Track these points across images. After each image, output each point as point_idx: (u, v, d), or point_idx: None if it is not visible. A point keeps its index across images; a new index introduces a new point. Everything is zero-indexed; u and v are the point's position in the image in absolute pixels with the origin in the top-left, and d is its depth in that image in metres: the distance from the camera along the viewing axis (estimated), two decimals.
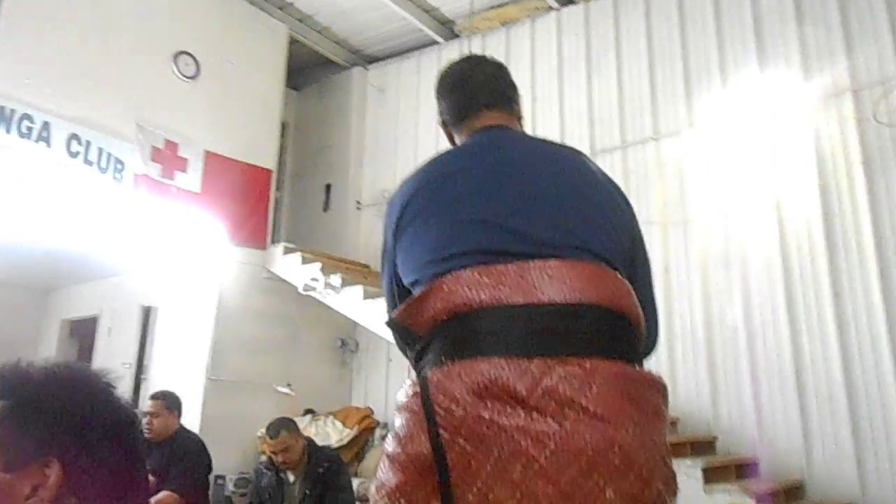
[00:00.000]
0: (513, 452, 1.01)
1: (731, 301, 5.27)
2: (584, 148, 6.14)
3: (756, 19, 5.57)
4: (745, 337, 5.15)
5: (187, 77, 6.42)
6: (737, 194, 5.38)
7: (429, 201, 1.29)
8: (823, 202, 5.01)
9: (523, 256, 1.16)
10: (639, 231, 1.39)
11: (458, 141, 1.50)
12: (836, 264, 4.89)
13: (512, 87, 1.53)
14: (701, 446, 4.87)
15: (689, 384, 5.32)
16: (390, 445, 1.14)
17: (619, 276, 1.21)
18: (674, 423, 5.19)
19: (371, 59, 8.22)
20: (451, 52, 7.42)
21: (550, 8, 6.76)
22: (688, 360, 5.37)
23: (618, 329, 1.17)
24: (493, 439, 1.02)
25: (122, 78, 5.93)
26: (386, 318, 1.35)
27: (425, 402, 1.08)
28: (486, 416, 1.03)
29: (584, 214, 1.27)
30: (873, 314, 4.68)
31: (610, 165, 5.97)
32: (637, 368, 1.16)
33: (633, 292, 1.22)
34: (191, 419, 5.79)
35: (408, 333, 1.24)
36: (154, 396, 4.20)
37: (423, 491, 1.05)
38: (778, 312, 5.05)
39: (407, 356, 1.30)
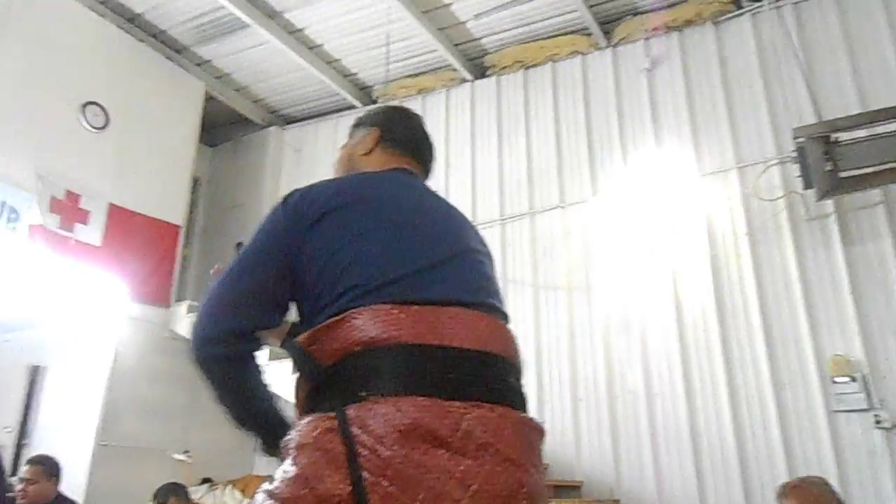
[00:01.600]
0: (438, 494, 1.01)
1: (631, 366, 5.44)
2: (495, 214, 6.34)
3: (652, 99, 5.99)
4: (644, 401, 5.30)
5: (95, 128, 6.26)
6: (636, 262, 5.63)
7: (357, 218, 1.28)
8: (714, 271, 5.32)
9: (437, 303, 1.19)
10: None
11: (374, 157, 1.54)
12: (726, 330, 5.15)
13: (433, 163, 1.66)
14: None
15: (592, 447, 5.40)
16: (287, 487, 1.06)
17: (510, 330, 1.30)
18: (577, 487, 5.24)
19: (288, 120, 8.27)
20: None
21: (464, 80, 7.04)
22: (591, 424, 5.46)
23: (514, 379, 1.24)
24: (419, 480, 1.01)
25: (24, 125, 5.72)
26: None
27: (346, 441, 1.04)
28: (413, 457, 1.02)
29: (484, 272, 1.37)
30: (760, 377, 4.94)
31: (519, 231, 6.17)
32: (531, 417, 1.23)
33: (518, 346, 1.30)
34: (76, 487, 5.42)
35: (311, 362, 1.18)
36: (31, 461, 3.92)
37: None
38: (675, 377, 5.24)
39: (298, 383, 1.25)
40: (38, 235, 5.62)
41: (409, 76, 7.26)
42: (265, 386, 1.35)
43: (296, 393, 1.25)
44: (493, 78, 6.92)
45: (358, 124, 1.65)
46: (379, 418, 1.05)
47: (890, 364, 4.60)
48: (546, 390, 5.65)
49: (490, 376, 1.17)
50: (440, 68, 7.10)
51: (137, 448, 6.12)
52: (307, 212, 1.30)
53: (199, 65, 7.37)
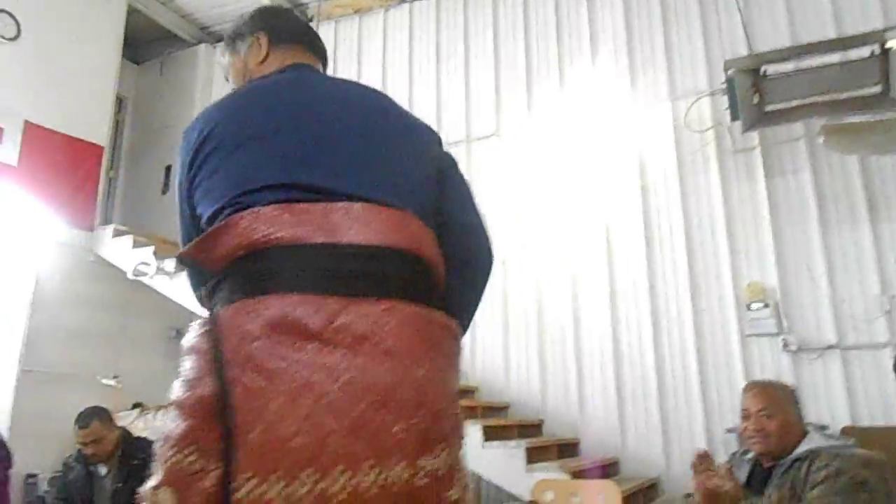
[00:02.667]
0: (303, 385, 0.99)
1: (561, 292, 5.56)
2: None
3: (591, 26, 5.93)
4: (571, 326, 5.46)
5: (5, 38, 5.84)
6: (568, 190, 5.68)
7: (234, 133, 1.23)
8: (643, 200, 5.42)
9: (328, 198, 1.14)
10: (448, 160, 1.41)
11: (270, 64, 1.47)
12: (652, 258, 5.30)
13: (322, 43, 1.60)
14: (528, 429, 5.11)
15: (520, 371, 5.56)
16: (177, 391, 1.07)
17: (419, 221, 1.22)
18: (504, 409, 5.41)
19: (219, 38, 7.88)
20: None
21: (402, 0, 6.80)
22: (520, 348, 5.60)
23: (417, 273, 1.18)
24: (283, 373, 0.99)
25: None
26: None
27: (213, 340, 1.04)
28: (277, 351, 1.01)
29: (388, 159, 1.28)
30: (681, 303, 5.13)
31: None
32: (434, 312, 1.18)
33: (433, 238, 1.25)
34: (0, 413, 5.31)
35: (199, 271, 1.19)
36: None
37: (213, 434, 1.00)
38: (601, 302, 5.40)
39: (196, 296, 1.25)
40: None
41: None
42: None
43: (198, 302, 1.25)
44: None
45: (236, 36, 1.54)
46: (245, 316, 1.04)
47: (800, 292, 4.83)
48: (477, 316, 5.73)
49: (380, 271, 1.13)
50: None
51: (64, 374, 6.00)
52: (186, 151, 1.27)
53: None
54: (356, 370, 1.01)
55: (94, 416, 3.76)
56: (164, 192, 7.54)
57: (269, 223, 1.10)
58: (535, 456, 4.45)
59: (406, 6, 6.82)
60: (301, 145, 1.22)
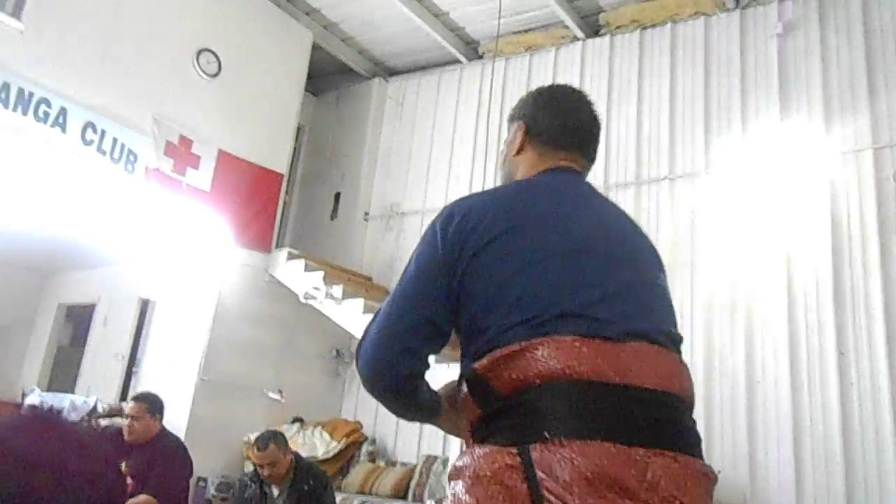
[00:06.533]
0: None
1: (732, 349, 5.21)
2: (598, 181, 6.11)
3: (781, 68, 5.55)
4: (744, 388, 5.08)
5: (208, 75, 6.42)
6: (747, 242, 5.33)
7: (523, 241, 1.19)
8: (835, 259, 4.96)
9: (624, 335, 1.11)
10: None
11: (527, 157, 1.41)
12: (842, 323, 4.83)
13: (597, 144, 1.47)
14: None
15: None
16: None
17: (686, 366, 1.20)
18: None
19: (392, 72, 8.23)
20: (474, 73, 7.43)
21: (576, 38, 6.75)
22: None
23: (691, 422, 1.15)
24: None
25: (142, 70, 5.93)
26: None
27: (531, 484, 1.00)
28: None
29: (665, 300, 1.26)
30: (877, 377, 4.62)
31: (622, 201, 5.94)
32: (706, 465, 1.14)
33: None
34: (178, 418, 5.74)
35: (486, 389, 1.13)
36: (136, 398, 4.14)
37: None
38: (780, 364, 4.99)
39: (476, 410, 1.19)
40: (153, 177, 5.86)
41: (518, 32, 7.02)
42: (431, 392, 1.31)
43: (461, 412, 1.22)
44: (607, 38, 6.60)
45: (511, 118, 1.49)
46: (565, 463, 1.00)
47: None
48: None
49: (670, 419, 1.09)
50: (551, 25, 6.83)
51: (235, 385, 6.42)
52: (468, 240, 1.20)
53: (307, 13, 7.39)
54: None
55: (271, 440, 3.95)
56: (332, 218, 7.94)
57: (572, 356, 1.06)
58: None
59: (578, 45, 6.76)
60: (590, 271, 1.18)
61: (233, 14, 6.72)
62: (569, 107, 1.45)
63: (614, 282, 1.18)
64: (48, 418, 0.86)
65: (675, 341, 1.20)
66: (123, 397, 6.74)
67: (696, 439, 1.13)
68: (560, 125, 1.41)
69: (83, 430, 0.93)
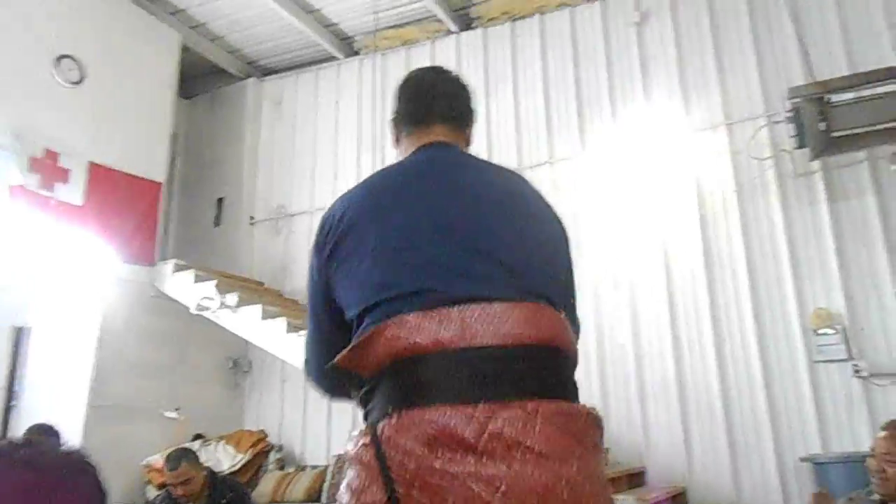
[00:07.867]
0: (466, 500, 1.04)
1: (620, 321, 5.57)
2: None
3: (641, 53, 5.97)
4: (633, 357, 5.46)
5: (70, 82, 6.03)
6: (625, 219, 5.71)
7: (372, 227, 1.27)
8: (702, 227, 5.43)
9: (467, 299, 1.17)
10: (570, 257, 1.44)
11: (402, 147, 1.48)
12: (713, 285, 5.30)
13: (470, 111, 1.53)
14: None
15: (582, 397, 5.55)
16: (344, 496, 1.14)
17: (555, 312, 1.23)
18: None
19: (267, 71, 8.05)
20: (351, 68, 7.43)
21: (450, 31, 6.91)
22: (581, 374, 5.59)
23: (556, 367, 1.20)
24: (447, 489, 1.05)
25: None
26: (304, 352, 1.42)
27: (379, 457, 1.09)
28: (438, 467, 1.06)
29: (527, 252, 1.29)
30: (745, 331, 5.12)
31: None
32: (575, 405, 1.20)
33: (569, 327, 1.26)
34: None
35: (353, 377, 1.23)
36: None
37: None
38: (663, 332, 5.40)
39: (350, 398, 1.29)
40: (18, 196, 5.46)
41: (394, 27, 7.09)
42: None
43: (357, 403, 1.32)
44: (480, 30, 6.81)
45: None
46: (405, 432, 1.09)
47: (868, 316, 4.81)
48: None
49: (519, 370, 1.15)
50: (425, 19, 6.95)
51: (129, 407, 6.11)
52: (326, 242, 1.32)
53: (173, 14, 7.09)
54: (512, 478, 1.05)
55: (183, 458, 3.83)
56: (216, 225, 7.69)
57: (412, 331, 1.14)
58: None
59: (453, 38, 6.92)
60: (443, 245, 1.24)
61: (92, 17, 6.32)
62: (413, 84, 1.53)
63: (458, 250, 1.24)
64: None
65: (539, 294, 1.23)
66: (3, 433, 6.23)
67: (559, 383, 1.19)
68: (411, 104, 1.50)
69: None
